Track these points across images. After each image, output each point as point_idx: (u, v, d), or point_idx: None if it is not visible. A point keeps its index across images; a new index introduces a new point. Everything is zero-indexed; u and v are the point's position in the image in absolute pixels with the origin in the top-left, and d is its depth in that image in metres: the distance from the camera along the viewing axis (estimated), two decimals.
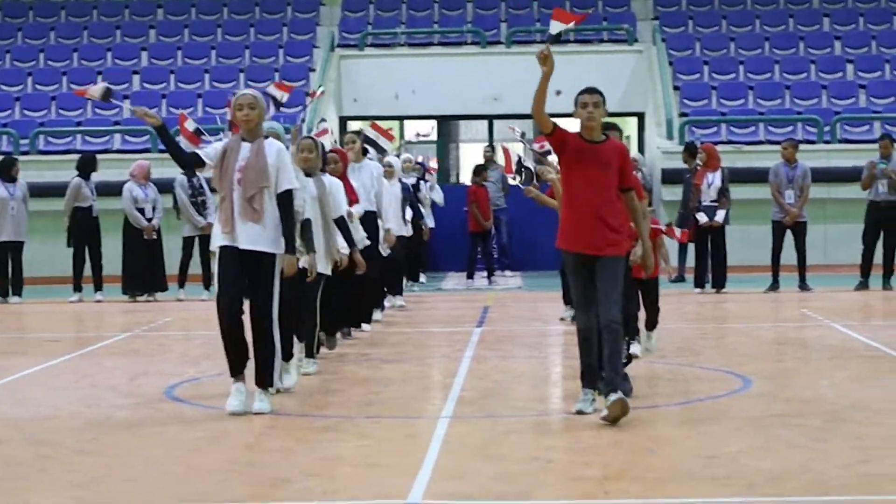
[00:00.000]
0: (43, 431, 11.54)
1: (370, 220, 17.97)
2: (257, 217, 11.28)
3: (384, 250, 19.35)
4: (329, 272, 14.12)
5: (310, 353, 14.32)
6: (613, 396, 10.53)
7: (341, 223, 14.51)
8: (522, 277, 30.08)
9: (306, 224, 13.19)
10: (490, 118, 35.80)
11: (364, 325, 18.49)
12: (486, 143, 34.48)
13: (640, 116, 34.43)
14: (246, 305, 11.68)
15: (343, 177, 15.89)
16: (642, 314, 14.61)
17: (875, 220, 24.88)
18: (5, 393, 13.98)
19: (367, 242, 16.67)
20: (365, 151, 19.30)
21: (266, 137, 11.67)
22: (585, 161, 10.87)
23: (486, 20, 36.56)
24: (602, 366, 11.18)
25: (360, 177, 17.84)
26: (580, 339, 11.17)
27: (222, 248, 11.45)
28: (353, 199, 16.01)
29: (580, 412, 11.01)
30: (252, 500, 9.04)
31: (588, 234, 10.85)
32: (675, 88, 33.68)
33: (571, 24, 11.69)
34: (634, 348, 13.93)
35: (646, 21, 36.54)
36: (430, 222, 27.20)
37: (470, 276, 29.34)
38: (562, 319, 19.01)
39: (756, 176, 26.54)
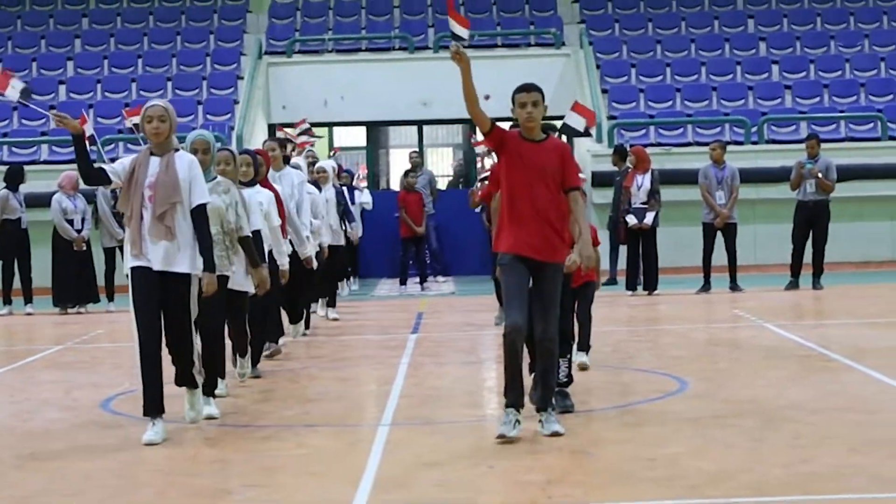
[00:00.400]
0: None
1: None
2: (170, 235, 10.79)
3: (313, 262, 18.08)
4: (252, 290, 13.41)
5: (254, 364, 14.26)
6: (551, 421, 10.46)
7: (256, 237, 13.57)
8: (454, 282, 30.10)
9: (243, 238, 12.81)
10: (419, 123, 35.87)
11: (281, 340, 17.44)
12: (414, 149, 34.55)
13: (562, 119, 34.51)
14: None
15: (268, 183, 15.45)
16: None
17: (804, 219, 25.10)
18: None
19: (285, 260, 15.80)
20: (286, 160, 18.21)
21: (177, 150, 11.18)
22: (526, 161, 10.47)
23: (414, 25, 36.63)
24: (534, 382, 10.94)
25: (280, 186, 16.57)
26: (507, 343, 10.46)
27: (135, 269, 10.93)
28: (280, 210, 15.49)
29: (502, 436, 10.40)
30: None
31: (532, 236, 10.45)
32: (604, 91, 33.84)
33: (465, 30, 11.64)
34: (579, 357, 13.88)
35: (572, 25, 36.70)
36: (359, 230, 26.99)
37: (403, 282, 29.43)
38: (497, 324, 18.95)
39: (685, 177, 26.72)
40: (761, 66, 34.69)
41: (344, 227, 23.02)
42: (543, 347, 10.42)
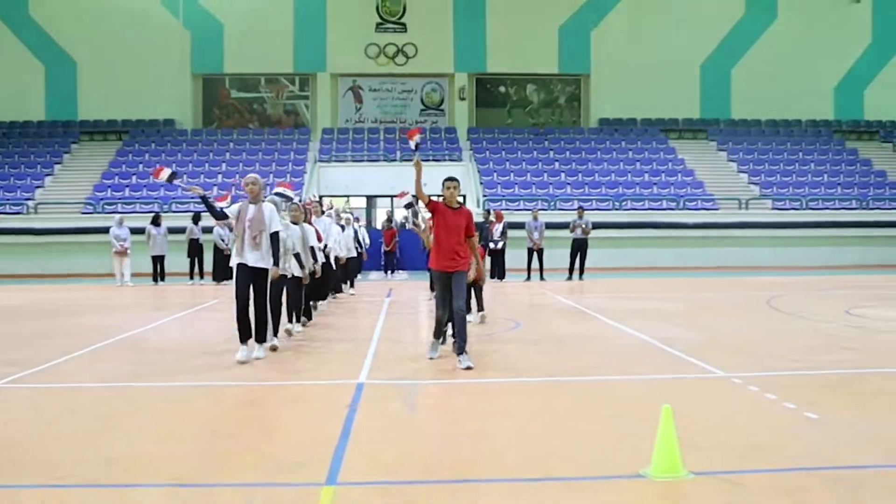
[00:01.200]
0: (177, 349, 11.47)
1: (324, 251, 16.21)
2: (258, 247, 10.28)
3: (333, 264, 17.42)
4: (306, 277, 12.81)
5: (298, 319, 13.21)
6: (465, 360, 9.65)
7: (311, 251, 13.29)
8: (408, 274, 30.04)
9: (296, 254, 12.39)
10: (391, 197, 35.67)
11: (320, 303, 16.45)
12: (388, 209, 34.67)
13: (465, 197, 34.52)
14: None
15: (310, 223, 14.26)
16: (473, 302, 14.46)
17: (575, 247, 25.26)
18: (158, 329, 13.85)
19: (322, 259, 14.80)
20: (322, 212, 17.05)
21: (263, 201, 10.67)
22: (448, 220, 9.95)
23: (389, 149, 36.59)
24: (453, 336, 10.41)
25: (318, 225, 15.55)
26: (436, 323, 10.27)
27: (238, 265, 10.36)
28: (318, 235, 14.42)
29: (431, 358, 10.19)
30: (282, 380, 9.06)
31: (448, 260, 9.88)
32: (481, 183, 33.89)
33: (417, 137, 10.80)
34: (471, 317, 13.62)
35: (467, 150, 36.73)
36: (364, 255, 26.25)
37: (385, 273, 29.43)
38: (430, 299, 18.86)
39: (519, 225, 26.77)
40: (556, 174, 34.84)
41: (358, 249, 22.01)
42: (458, 315, 9.86)
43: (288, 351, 11.25)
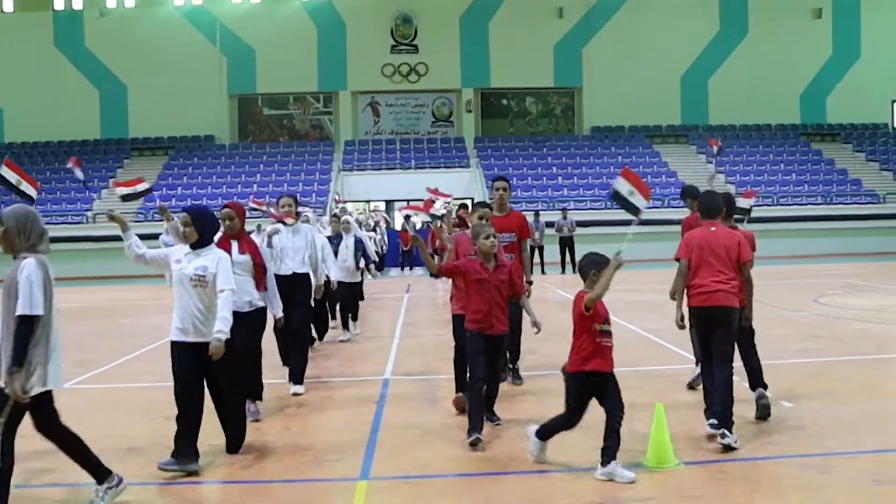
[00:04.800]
0: None
1: (300, 279, 8.73)
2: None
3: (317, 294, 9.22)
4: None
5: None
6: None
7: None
8: (423, 269, 30.09)
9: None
10: (407, 201, 35.69)
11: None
12: (406, 213, 34.51)
13: (472, 199, 34.43)
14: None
15: (227, 243, 7.27)
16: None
17: (563, 244, 24.98)
18: None
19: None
20: (298, 215, 9.05)
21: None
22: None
23: (406, 158, 36.60)
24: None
25: (293, 239, 8.80)
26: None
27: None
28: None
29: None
30: (336, 377, 9.11)
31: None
32: (487, 188, 33.78)
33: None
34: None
35: (474, 157, 36.63)
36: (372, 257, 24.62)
37: (402, 269, 29.45)
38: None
39: None
40: (553, 177, 34.75)
41: (360, 267, 12.94)
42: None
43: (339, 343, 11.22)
